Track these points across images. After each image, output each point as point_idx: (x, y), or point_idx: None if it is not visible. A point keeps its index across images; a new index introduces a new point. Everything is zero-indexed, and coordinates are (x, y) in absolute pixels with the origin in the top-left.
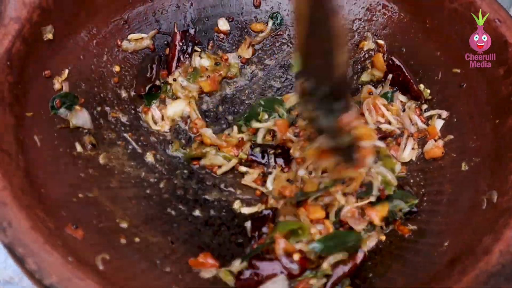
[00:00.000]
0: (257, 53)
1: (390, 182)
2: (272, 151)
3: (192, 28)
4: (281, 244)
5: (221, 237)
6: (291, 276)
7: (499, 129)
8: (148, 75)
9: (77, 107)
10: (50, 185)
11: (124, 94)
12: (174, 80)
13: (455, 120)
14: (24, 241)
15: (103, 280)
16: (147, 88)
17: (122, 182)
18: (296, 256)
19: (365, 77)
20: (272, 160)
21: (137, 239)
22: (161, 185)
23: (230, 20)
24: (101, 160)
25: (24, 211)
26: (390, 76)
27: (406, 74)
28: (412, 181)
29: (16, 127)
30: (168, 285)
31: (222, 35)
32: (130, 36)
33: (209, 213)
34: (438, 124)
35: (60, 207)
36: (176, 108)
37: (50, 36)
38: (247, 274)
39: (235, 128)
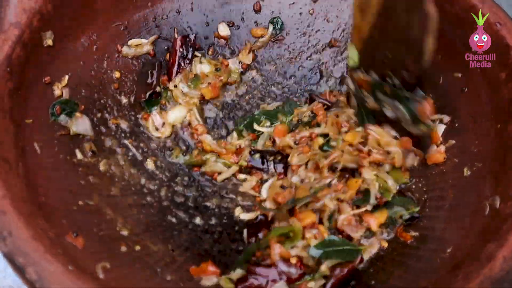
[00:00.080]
0: (257, 59)
1: (389, 189)
2: (271, 158)
3: (192, 34)
4: (276, 250)
5: (221, 245)
6: (290, 281)
7: (502, 134)
8: (148, 81)
9: (78, 114)
10: (50, 193)
11: (124, 100)
12: (175, 86)
13: (456, 125)
14: (24, 250)
15: None
16: (147, 94)
17: (123, 189)
18: (293, 260)
19: None
20: (271, 167)
21: (137, 247)
22: (162, 193)
23: (231, 25)
24: (102, 167)
25: (25, 220)
26: None
27: None
28: (414, 186)
29: (16, 134)
30: None
31: (222, 40)
32: (131, 42)
33: (209, 221)
34: (440, 129)
35: (61, 215)
36: (177, 115)
37: (50, 42)
38: (246, 281)
39: (235, 134)
